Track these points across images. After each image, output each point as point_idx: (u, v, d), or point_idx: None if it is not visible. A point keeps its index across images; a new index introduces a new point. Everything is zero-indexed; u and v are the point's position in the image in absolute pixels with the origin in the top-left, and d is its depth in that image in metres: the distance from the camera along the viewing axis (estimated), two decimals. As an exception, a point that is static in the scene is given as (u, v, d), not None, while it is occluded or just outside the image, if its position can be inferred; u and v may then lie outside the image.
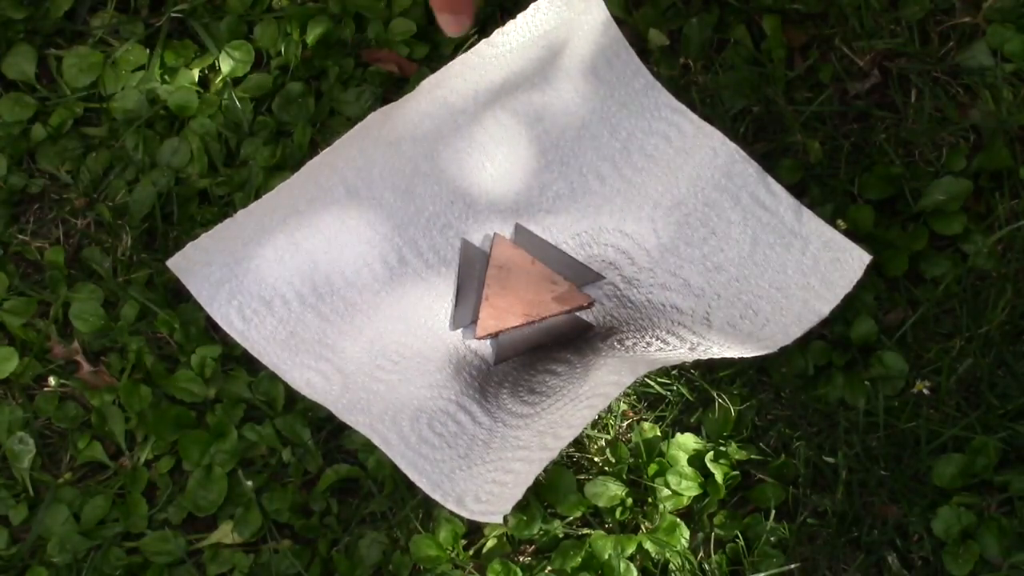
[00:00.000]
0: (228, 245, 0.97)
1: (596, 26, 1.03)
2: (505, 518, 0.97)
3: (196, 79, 1.13)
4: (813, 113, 1.06)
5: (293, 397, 1.02)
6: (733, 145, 0.99)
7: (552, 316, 1.01)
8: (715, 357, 0.92)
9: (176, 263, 0.97)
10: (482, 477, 0.92)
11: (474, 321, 1.01)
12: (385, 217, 1.00)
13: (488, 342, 1.01)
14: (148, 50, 1.13)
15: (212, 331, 1.05)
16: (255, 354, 0.96)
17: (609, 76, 1.03)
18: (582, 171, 1.02)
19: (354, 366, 0.97)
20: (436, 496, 0.90)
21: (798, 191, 1.02)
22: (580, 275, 1.01)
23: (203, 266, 0.96)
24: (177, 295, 1.06)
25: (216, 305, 0.96)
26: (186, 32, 1.15)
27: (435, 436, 0.94)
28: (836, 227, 1.00)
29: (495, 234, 1.02)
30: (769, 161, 1.03)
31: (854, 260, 0.97)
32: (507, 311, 1.00)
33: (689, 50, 1.08)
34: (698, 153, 1.00)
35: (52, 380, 1.05)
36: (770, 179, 0.99)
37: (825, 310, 0.96)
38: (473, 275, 1.01)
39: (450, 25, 0.88)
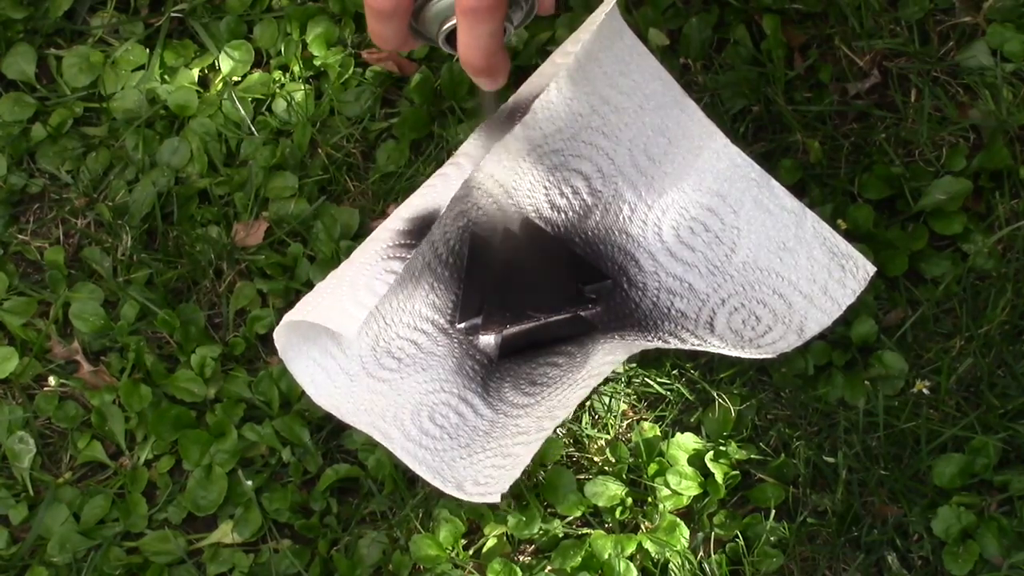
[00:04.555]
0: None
1: (610, 34, 1.00)
2: (506, 518, 0.97)
3: (196, 79, 1.13)
4: (813, 113, 1.06)
5: (292, 397, 1.02)
6: (735, 148, 0.99)
7: (556, 314, 1.01)
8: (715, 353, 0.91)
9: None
10: (482, 463, 0.92)
11: (479, 316, 1.00)
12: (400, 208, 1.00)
13: (492, 337, 1.01)
14: (148, 50, 1.13)
15: (212, 331, 1.05)
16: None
17: (614, 69, 1.02)
18: (591, 171, 1.02)
19: (358, 365, 0.96)
20: (436, 483, 0.90)
21: (798, 191, 1.02)
22: (585, 275, 1.01)
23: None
24: (177, 295, 1.06)
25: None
26: (186, 32, 1.15)
27: (436, 428, 0.94)
28: (836, 227, 0.99)
29: (503, 229, 1.01)
30: (769, 161, 1.03)
31: (859, 270, 0.96)
32: (512, 308, 1.00)
33: (689, 50, 1.08)
34: (701, 155, 1.00)
35: (52, 380, 1.05)
36: (774, 183, 0.98)
37: (826, 320, 0.95)
38: (480, 270, 1.01)
39: (487, 85, 0.89)
